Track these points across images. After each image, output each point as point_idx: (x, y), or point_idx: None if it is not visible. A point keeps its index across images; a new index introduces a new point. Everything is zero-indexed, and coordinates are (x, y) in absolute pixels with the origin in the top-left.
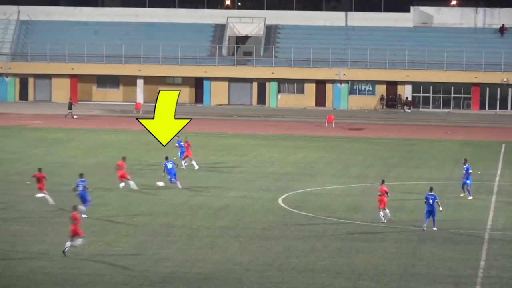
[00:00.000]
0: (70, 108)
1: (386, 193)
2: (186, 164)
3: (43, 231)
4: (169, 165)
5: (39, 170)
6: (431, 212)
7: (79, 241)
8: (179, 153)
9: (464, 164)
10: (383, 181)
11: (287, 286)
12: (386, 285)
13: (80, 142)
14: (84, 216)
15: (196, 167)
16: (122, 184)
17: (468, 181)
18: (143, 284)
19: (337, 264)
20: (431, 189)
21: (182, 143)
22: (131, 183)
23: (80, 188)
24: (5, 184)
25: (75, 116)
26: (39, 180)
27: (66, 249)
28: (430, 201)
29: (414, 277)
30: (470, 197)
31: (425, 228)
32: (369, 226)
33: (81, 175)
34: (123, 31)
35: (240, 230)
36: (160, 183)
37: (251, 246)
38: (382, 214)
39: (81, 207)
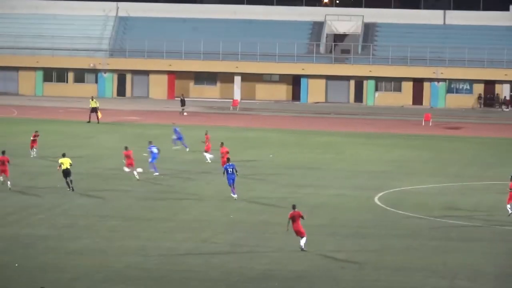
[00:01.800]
0: (183, 104)
1: None
2: (211, 156)
3: (139, 227)
4: (154, 150)
5: (126, 148)
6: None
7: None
8: (176, 139)
9: None
10: None
11: (382, 284)
12: (482, 285)
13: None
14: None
15: (208, 160)
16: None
17: None
18: (238, 281)
19: (433, 263)
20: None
21: (178, 129)
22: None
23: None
24: (102, 179)
25: (185, 113)
26: (127, 157)
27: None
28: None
29: (511, 278)
30: None
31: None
32: (466, 225)
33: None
34: (221, 28)
35: (336, 228)
36: (139, 169)
37: (346, 244)
38: (510, 207)
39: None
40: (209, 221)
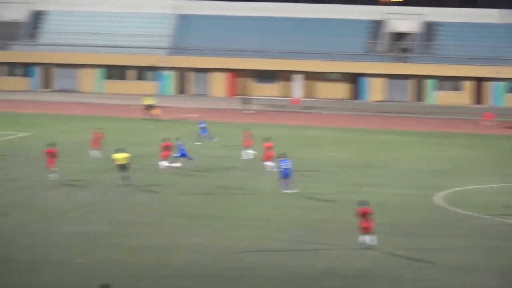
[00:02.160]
0: (247, 102)
1: None
2: (254, 153)
3: (197, 224)
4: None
5: (164, 140)
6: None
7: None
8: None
9: None
10: None
11: (441, 284)
12: None
13: (237, 136)
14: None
15: (248, 156)
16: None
17: None
18: (298, 279)
19: (492, 263)
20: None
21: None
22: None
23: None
24: (163, 176)
25: (249, 111)
26: (166, 148)
27: (367, 244)
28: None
29: None
30: None
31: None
32: None
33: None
34: (280, 26)
35: (396, 227)
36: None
37: (406, 243)
38: None
39: None
40: (267, 218)
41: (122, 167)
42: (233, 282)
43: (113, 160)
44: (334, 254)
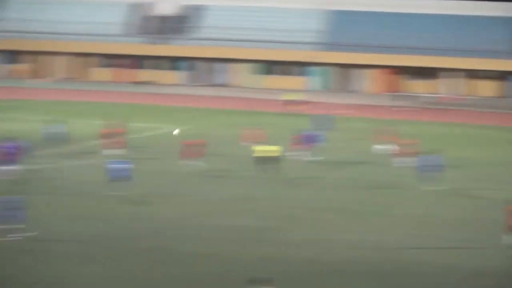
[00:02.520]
0: (398, 99)
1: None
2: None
3: (354, 220)
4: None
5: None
6: None
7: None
8: None
9: None
10: None
11: None
12: None
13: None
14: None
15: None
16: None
17: None
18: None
19: None
20: None
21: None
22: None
23: None
24: (308, 170)
25: (404, 108)
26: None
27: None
28: None
29: None
30: None
31: None
32: None
33: None
34: (437, 22)
35: None
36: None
37: None
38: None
39: None
40: (421, 215)
41: (271, 160)
42: (396, 279)
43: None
44: (488, 253)
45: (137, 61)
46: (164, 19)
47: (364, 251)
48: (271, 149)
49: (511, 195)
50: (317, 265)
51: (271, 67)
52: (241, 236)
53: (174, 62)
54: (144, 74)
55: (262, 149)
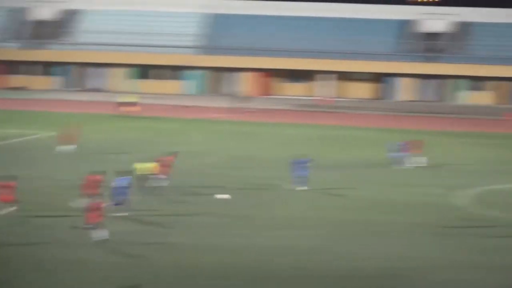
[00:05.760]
0: (243, 101)
1: None
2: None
3: (231, 225)
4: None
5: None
6: None
7: None
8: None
9: None
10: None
11: (477, 285)
12: None
13: (267, 136)
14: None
15: (415, 163)
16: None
17: None
18: (325, 276)
19: None
20: None
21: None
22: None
23: None
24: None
25: (248, 110)
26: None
27: None
28: None
29: None
30: None
31: None
32: None
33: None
34: (312, 26)
35: (426, 227)
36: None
37: (434, 243)
38: None
39: None
40: (303, 218)
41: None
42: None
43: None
44: (363, 254)
45: (11, 66)
46: (40, 23)
47: (229, 253)
48: (149, 167)
49: (393, 196)
50: (184, 270)
51: (147, 71)
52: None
53: (48, 67)
54: (18, 80)
55: (142, 167)
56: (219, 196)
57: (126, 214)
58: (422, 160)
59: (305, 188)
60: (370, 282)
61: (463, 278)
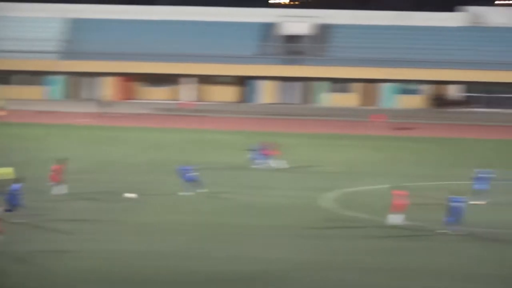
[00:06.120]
0: (106, 106)
1: (403, 196)
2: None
3: (91, 230)
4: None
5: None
6: (455, 213)
7: None
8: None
9: (483, 168)
10: (399, 187)
11: (333, 284)
12: (431, 285)
13: (129, 141)
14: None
15: (275, 165)
16: (130, 195)
17: (477, 185)
18: (191, 282)
19: (382, 264)
20: (457, 192)
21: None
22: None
23: None
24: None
25: (113, 115)
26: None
27: None
28: (456, 203)
29: (452, 276)
30: (483, 201)
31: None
32: (415, 226)
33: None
34: (173, 29)
35: (287, 229)
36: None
37: (299, 245)
38: (396, 218)
39: None
40: (161, 223)
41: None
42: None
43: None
44: (226, 257)
45: None
46: None
47: (101, 260)
48: (5, 172)
49: (249, 199)
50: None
51: (10, 77)
52: None
53: None
54: None
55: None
56: (127, 195)
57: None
58: (282, 163)
59: (192, 193)
60: (232, 285)
61: (327, 278)
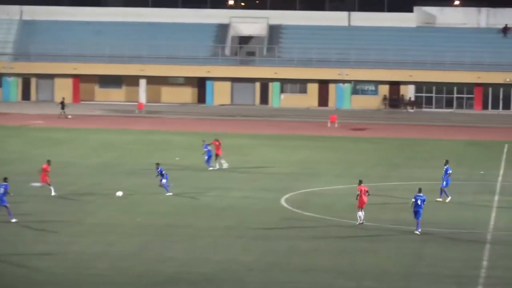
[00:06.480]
0: (63, 108)
1: (367, 192)
2: (222, 163)
3: (45, 232)
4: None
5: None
6: (417, 213)
7: None
8: (206, 157)
9: (446, 165)
10: (360, 181)
11: (290, 286)
12: (389, 285)
13: (83, 142)
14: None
15: (225, 166)
16: (36, 184)
17: (444, 183)
18: (146, 284)
19: (340, 264)
20: (419, 190)
21: (209, 147)
22: (51, 188)
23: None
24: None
25: (69, 116)
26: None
27: None
28: (419, 202)
29: (416, 277)
30: (448, 198)
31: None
32: (372, 226)
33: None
34: (125, 30)
35: (242, 230)
36: (119, 193)
37: (254, 246)
38: (360, 215)
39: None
40: (116, 225)
41: None
42: None
43: None
44: (182, 258)
45: None
46: None
47: (49, 262)
48: None
49: (209, 200)
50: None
51: None
52: None
53: None
54: None
55: None
56: (118, 194)
57: None
58: (224, 163)
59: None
60: (187, 286)
61: (279, 280)
